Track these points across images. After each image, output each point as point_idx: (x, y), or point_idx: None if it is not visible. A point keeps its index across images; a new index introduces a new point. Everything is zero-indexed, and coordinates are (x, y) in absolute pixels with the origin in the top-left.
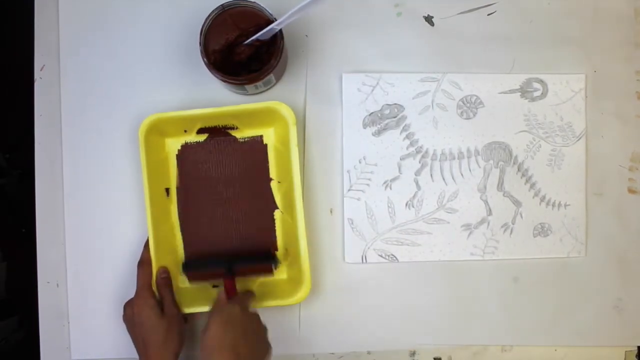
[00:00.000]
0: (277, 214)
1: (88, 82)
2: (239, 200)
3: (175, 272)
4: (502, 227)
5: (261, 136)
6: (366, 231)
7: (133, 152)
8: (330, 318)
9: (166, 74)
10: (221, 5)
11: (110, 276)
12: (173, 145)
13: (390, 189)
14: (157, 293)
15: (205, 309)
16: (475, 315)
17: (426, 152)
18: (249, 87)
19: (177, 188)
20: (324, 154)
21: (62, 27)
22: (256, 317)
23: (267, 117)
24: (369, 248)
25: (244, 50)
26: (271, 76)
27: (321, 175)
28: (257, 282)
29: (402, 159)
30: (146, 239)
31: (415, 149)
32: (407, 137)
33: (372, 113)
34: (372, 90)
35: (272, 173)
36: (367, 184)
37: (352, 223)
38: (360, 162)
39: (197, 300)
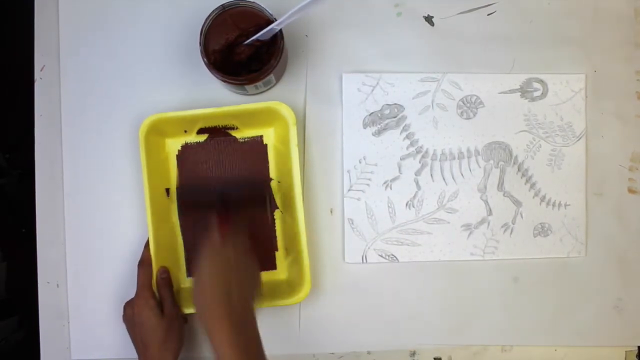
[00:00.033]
0: (277, 214)
1: (88, 82)
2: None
3: (175, 272)
4: (502, 227)
5: (261, 136)
6: (366, 231)
7: (133, 152)
8: (330, 318)
9: (166, 74)
10: (221, 5)
11: (110, 276)
12: (173, 145)
13: (391, 189)
14: (157, 293)
15: None
16: (475, 315)
17: (426, 152)
18: (249, 87)
19: (177, 188)
20: (324, 154)
21: (62, 27)
22: (249, 256)
23: (267, 117)
24: (369, 248)
25: (244, 50)
26: (271, 76)
27: (321, 175)
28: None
29: (402, 159)
30: (146, 239)
31: (416, 149)
32: (407, 137)
33: (372, 113)
34: (372, 90)
35: (272, 173)
36: (367, 184)
37: (352, 223)
38: (360, 162)
39: None
